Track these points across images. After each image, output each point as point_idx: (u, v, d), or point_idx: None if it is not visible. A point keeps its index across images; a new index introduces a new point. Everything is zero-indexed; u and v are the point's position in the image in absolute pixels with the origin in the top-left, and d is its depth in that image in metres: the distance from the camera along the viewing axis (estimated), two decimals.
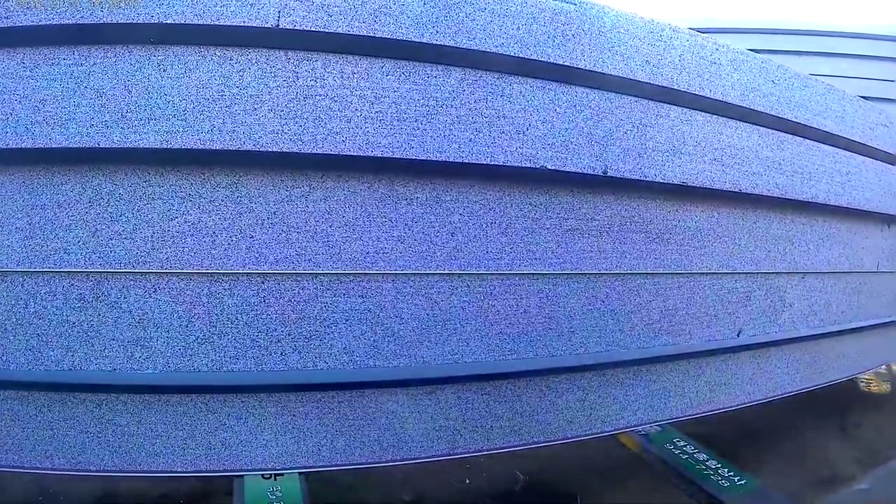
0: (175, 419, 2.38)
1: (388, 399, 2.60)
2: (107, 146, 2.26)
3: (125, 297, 2.34)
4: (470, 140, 2.59)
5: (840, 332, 3.77)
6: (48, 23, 2.18)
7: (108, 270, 2.32)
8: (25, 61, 2.21)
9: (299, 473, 2.83)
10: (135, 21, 2.24)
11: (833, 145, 3.55)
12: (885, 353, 4.23)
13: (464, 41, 2.54)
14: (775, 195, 3.32)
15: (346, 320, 2.51)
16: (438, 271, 2.61)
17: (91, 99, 2.25)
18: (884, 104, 4.80)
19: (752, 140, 3.23)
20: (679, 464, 3.15)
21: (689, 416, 3.25)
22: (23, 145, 2.22)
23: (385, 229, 2.53)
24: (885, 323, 4.06)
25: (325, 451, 2.52)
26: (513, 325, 2.74)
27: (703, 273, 3.17)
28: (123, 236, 2.32)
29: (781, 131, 3.31)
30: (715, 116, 3.09)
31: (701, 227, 3.15)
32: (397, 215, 2.55)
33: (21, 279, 2.28)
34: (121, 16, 2.23)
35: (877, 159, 3.82)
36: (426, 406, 2.65)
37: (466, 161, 2.58)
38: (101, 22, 2.21)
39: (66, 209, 2.29)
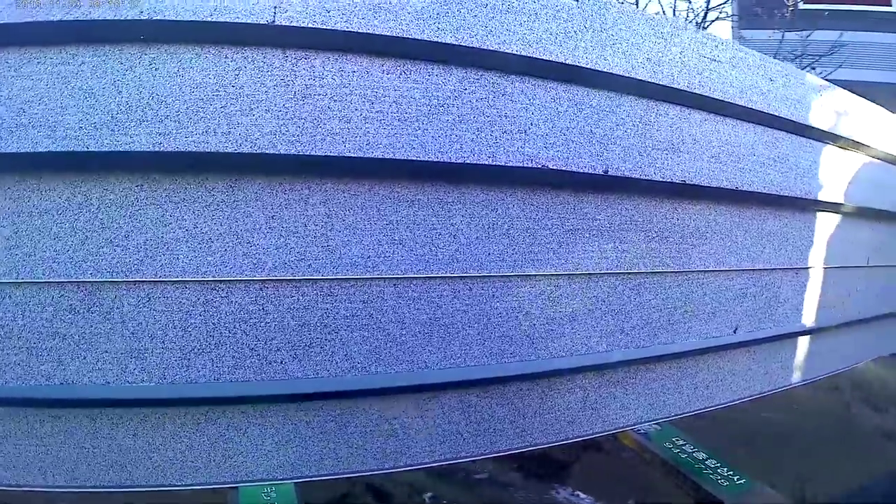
0: (173, 431, 2.31)
1: (390, 405, 2.55)
2: (96, 149, 2.16)
3: (118, 307, 2.24)
4: (472, 140, 2.54)
5: (834, 327, 3.81)
6: (33, 20, 2.06)
7: (100, 279, 2.22)
8: (10, 60, 2.10)
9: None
10: (125, 18, 2.14)
11: (828, 143, 3.57)
12: (878, 346, 4.29)
13: (465, 38, 2.47)
14: (771, 192, 3.33)
15: (347, 327, 2.45)
16: (440, 274, 2.56)
17: (80, 100, 2.14)
18: None
19: (748, 137, 3.23)
20: (678, 463, 3.16)
21: (687, 413, 3.25)
22: (7, 150, 2.11)
23: (386, 232, 2.47)
24: (877, 316, 4.12)
25: (328, 460, 2.47)
26: (515, 328, 2.71)
27: (700, 271, 3.17)
28: (115, 244, 2.23)
29: (777, 129, 3.32)
30: (713, 114, 3.08)
31: (699, 226, 3.14)
32: (398, 218, 2.49)
33: (8, 290, 2.18)
34: (110, 12, 2.12)
35: (871, 157, 3.85)
36: (429, 411, 2.61)
37: (468, 162, 2.53)
38: (90, 19, 2.11)
39: (54, 216, 2.19)
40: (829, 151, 3.56)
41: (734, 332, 3.30)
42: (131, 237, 2.24)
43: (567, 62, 2.65)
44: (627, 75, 2.77)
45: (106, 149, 2.17)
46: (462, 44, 2.47)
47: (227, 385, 2.33)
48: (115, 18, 2.13)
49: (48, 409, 2.22)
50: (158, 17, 2.18)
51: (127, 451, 2.27)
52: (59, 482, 2.24)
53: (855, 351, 4.11)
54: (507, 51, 2.54)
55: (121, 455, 2.27)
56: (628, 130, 2.84)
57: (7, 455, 2.21)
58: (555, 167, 2.68)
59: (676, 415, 3.21)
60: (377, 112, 2.41)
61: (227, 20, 2.22)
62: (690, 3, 11.51)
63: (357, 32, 2.34)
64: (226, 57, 2.25)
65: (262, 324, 2.36)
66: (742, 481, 2.93)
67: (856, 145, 3.69)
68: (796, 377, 3.67)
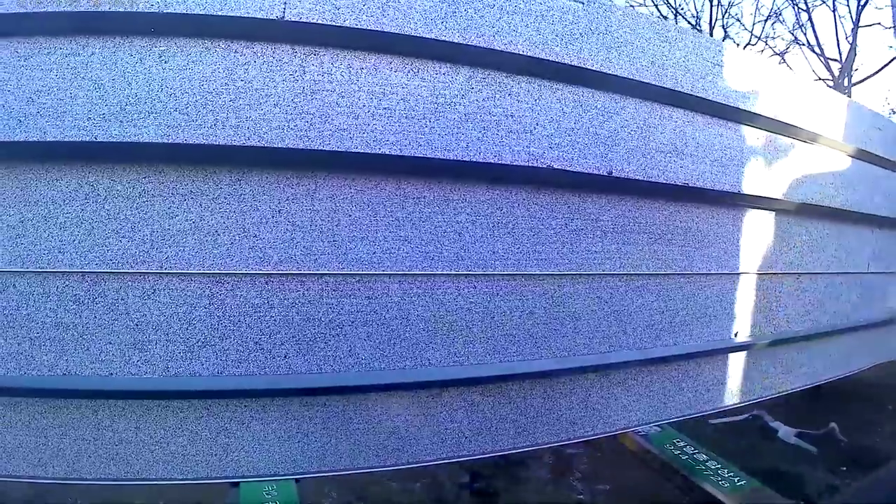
0: (175, 424, 2.29)
1: (393, 402, 2.54)
2: (105, 140, 2.17)
3: (123, 299, 2.24)
4: (478, 138, 2.55)
5: (834, 332, 3.82)
6: (43, 10, 2.07)
7: (105, 270, 2.22)
8: (19, 50, 2.10)
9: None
10: (135, 10, 2.15)
11: (830, 148, 3.60)
12: (877, 351, 4.30)
13: (473, 38, 2.49)
14: (772, 196, 3.35)
15: (352, 322, 2.45)
16: (445, 272, 2.56)
17: (89, 91, 2.15)
18: None
19: (750, 142, 3.25)
20: (679, 464, 3.16)
21: (687, 415, 3.25)
22: (16, 139, 2.11)
23: (392, 229, 2.48)
24: (877, 322, 4.13)
25: (330, 455, 2.46)
26: (518, 327, 2.71)
27: (703, 273, 3.18)
28: (121, 235, 2.23)
29: (779, 134, 3.34)
30: (716, 118, 3.10)
31: (701, 228, 3.16)
32: (404, 215, 2.49)
33: (12, 280, 2.17)
34: (120, 4, 2.13)
35: (870, 163, 3.88)
36: (432, 409, 2.60)
37: (474, 160, 2.54)
38: (100, 10, 2.11)
39: (60, 206, 2.19)
40: (831, 157, 3.58)
41: (735, 335, 3.31)
42: (137, 229, 2.24)
43: (572, 63, 2.67)
44: (632, 78, 2.80)
45: (114, 140, 2.17)
46: (470, 43, 2.49)
47: (231, 378, 2.32)
48: (126, 10, 2.14)
49: (50, 400, 2.21)
50: (169, 11, 2.19)
51: (128, 444, 2.26)
52: (59, 474, 2.22)
53: (857, 356, 4.11)
54: (513, 51, 2.56)
55: (122, 447, 2.25)
56: (632, 132, 2.86)
57: (7, 445, 2.19)
58: (559, 167, 2.69)
59: (677, 417, 3.20)
60: (384, 109, 2.42)
61: (237, 15, 2.24)
62: None
63: (366, 30, 2.36)
64: (235, 51, 2.26)
65: (267, 318, 2.36)
66: (742, 482, 2.92)
67: (857, 152, 3.72)
68: (796, 382, 3.68)
